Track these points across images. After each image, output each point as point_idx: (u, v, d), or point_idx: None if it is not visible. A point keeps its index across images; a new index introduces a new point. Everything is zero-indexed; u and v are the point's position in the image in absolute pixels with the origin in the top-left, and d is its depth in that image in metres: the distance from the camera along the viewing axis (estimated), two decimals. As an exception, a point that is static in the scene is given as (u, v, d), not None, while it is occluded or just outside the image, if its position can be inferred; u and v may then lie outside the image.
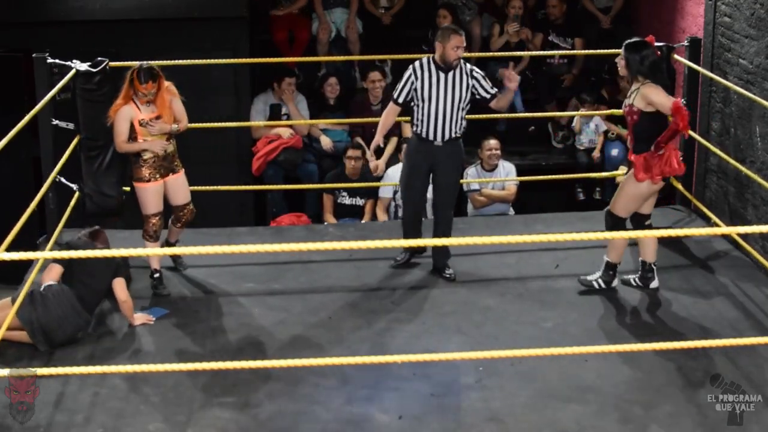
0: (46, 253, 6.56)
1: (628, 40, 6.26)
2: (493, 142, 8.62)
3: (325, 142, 9.17)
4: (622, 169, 8.51)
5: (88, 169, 6.84)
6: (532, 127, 10.00)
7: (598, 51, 9.18)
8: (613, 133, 9.38)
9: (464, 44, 6.60)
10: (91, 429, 5.06)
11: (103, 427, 5.07)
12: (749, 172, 6.83)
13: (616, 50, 8.39)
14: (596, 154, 9.40)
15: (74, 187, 7.07)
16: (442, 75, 6.58)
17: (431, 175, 6.73)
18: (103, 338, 5.96)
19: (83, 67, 6.78)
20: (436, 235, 6.73)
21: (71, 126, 6.94)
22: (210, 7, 9.41)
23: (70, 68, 6.81)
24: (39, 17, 9.21)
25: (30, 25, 9.18)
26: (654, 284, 6.46)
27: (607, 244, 6.45)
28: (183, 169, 6.62)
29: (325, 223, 8.33)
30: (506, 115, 9.07)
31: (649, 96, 6.04)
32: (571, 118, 9.67)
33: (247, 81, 9.66)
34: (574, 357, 5.52)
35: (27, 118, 6.01)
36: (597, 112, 9.29)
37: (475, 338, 5.95)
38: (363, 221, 8.48)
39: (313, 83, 9.83)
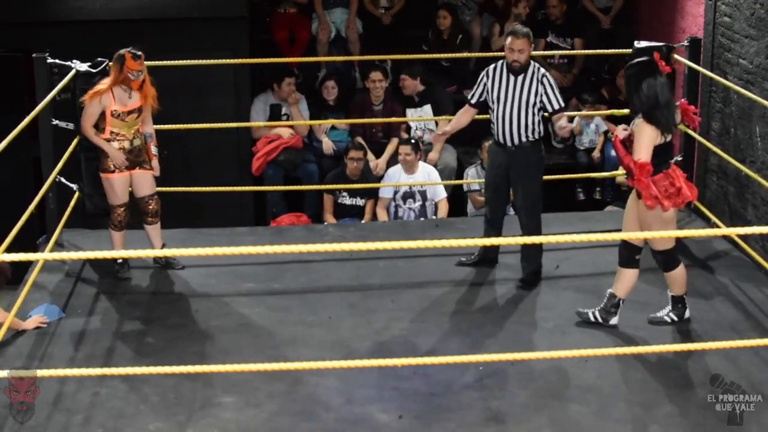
0: (46, 254, 6.57)
1: (637, 59, 5.82)
2: (493, 143, 8.62)
3: (327, 146, 9.16)
4: (622, 169, 8.51)
5: (88, 169, 6.84)
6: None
7: (598, 51, 9.19)
8: (613, 134, 9.38)
9: (520, 47, 6.43)
10: (91, 429, 5.05)
11: (103, 427, 5.07)
12: (749, 172, 6.83)
13: (616, 50, 8.46)
14: (596, 154, 9.40)
15: (74, 187, 7.08)
16: (512, 78, 6.51)
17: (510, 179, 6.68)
18: (103, 338, 5.96)
19: (83, 67, 6.77)
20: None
21: (71, 126, 6.94)
22: (210, 7, 9.41)
23: (70, 68, 6.81)
24: (39, 17, 9.21)
25: (30, 25, 9.18)
26: (614, 321, 6.01)
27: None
28: (150, 167, 6.68)
29: (325, 223, 8.34)
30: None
31: (636, 133, 5.65)
32: (571, 118, 9.67)
33: (247, 81, 9.67)
34: (574, 357, 5.53)
35: (28, 119, 6.01)
36: (597, 112, 9.29)
37: (475, 338, 5.95)
38: (363, 221, 8.49)
39: (313, 83, 9.84)
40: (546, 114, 6.61)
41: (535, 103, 6.49)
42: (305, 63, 9.88)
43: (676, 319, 6.02)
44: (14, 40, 9.28)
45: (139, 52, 6.44)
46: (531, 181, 6.63)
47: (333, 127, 9.32)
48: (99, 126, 6.51)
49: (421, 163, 8.57)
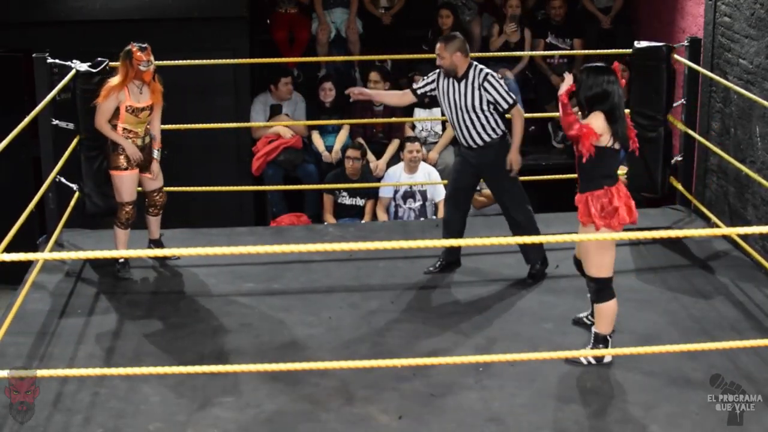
0: (46, 254, 6.57)
1: (596, 64, 5.58)
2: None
3: (335, 155, 9.11)
4: (623, 169, 8.51)
5: (88, 169, 6.84)
6: (532, 127, 10.00)
7: (598, 51, 9.19)
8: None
9: (437, 51, 6.44)
10: (91, 429, 5.05)
11: (103, 427, 5.07)
12: (749, 172, 6.82)
13: (616, 50, 8.46)
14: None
15: (74, 187, 7.08)
16: (455, 83, 6.49)
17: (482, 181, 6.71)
18: (103, 338, 5.96)
19: (83, 67, 6.77)
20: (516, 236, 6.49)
21: (71, 126, 6.94)
22: (210, 7, 9.42)
23: (70, 68, 6.81)
24: (39, 17, 9.21)
25: (30, 25, 9.19)
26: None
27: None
28: (150, 170, 6.75)
29: (325, 223, 8.33)
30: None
31: (589, 120, 5.38)
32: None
33: (247, 81, 9.67)
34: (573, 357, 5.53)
35: (28, 118, 6.01)
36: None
37: (475, 338, 5.95)
38: (363, 221, 8.49)
39: (314, 84, 9.84)
40: (501, 111, 6.55)
41: (482, 108, 6.46)
42: (306, 63, 9.88)
43: (594, 362, 5.54)
44: (14, 40, 9.28)
45: (145, 44, 6.48)
46: (507, 176, 6.61)
47: (330, 130, 9.29)
48: (110, 123, 6.54)
49: (421, 163, 8.58)
